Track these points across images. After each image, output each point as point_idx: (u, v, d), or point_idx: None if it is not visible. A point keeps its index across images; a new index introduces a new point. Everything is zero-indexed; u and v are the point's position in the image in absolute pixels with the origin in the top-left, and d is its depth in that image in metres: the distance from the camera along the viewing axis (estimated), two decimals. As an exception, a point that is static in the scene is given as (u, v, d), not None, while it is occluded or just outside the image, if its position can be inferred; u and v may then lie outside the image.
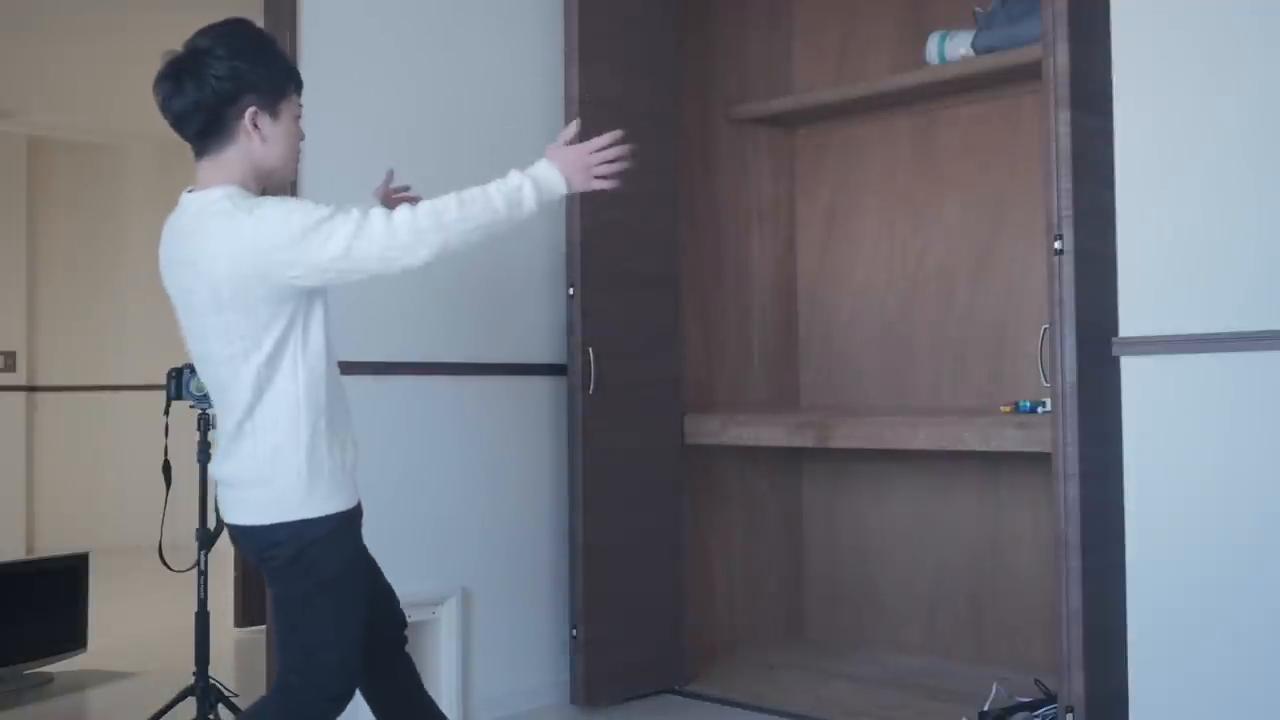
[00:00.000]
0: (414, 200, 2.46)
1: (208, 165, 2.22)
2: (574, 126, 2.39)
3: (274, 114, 2.21)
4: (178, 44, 2.22)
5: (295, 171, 2.34)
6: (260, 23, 3.41)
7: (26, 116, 7.20)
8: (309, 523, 2.17)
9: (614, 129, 3.85)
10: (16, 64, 6.15)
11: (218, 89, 2.15)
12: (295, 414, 2.18)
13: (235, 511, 2.25)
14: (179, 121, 2.20)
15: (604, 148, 2.33)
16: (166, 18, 5.41)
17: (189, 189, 2.26)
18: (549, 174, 2.29)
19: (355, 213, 2.13)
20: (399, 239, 2.12)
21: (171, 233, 2.29)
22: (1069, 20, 2.94)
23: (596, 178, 2.34)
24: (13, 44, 5.80)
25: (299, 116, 2.28)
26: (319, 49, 3.37)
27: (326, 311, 2.24)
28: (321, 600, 2.20)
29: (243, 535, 2.25)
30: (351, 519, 2.24)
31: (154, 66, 2.20)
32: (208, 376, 2.27)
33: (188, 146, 2.26)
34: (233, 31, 2.20)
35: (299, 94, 2.28)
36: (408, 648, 2.49)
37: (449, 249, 2.17)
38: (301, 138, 2.30)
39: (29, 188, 7.55)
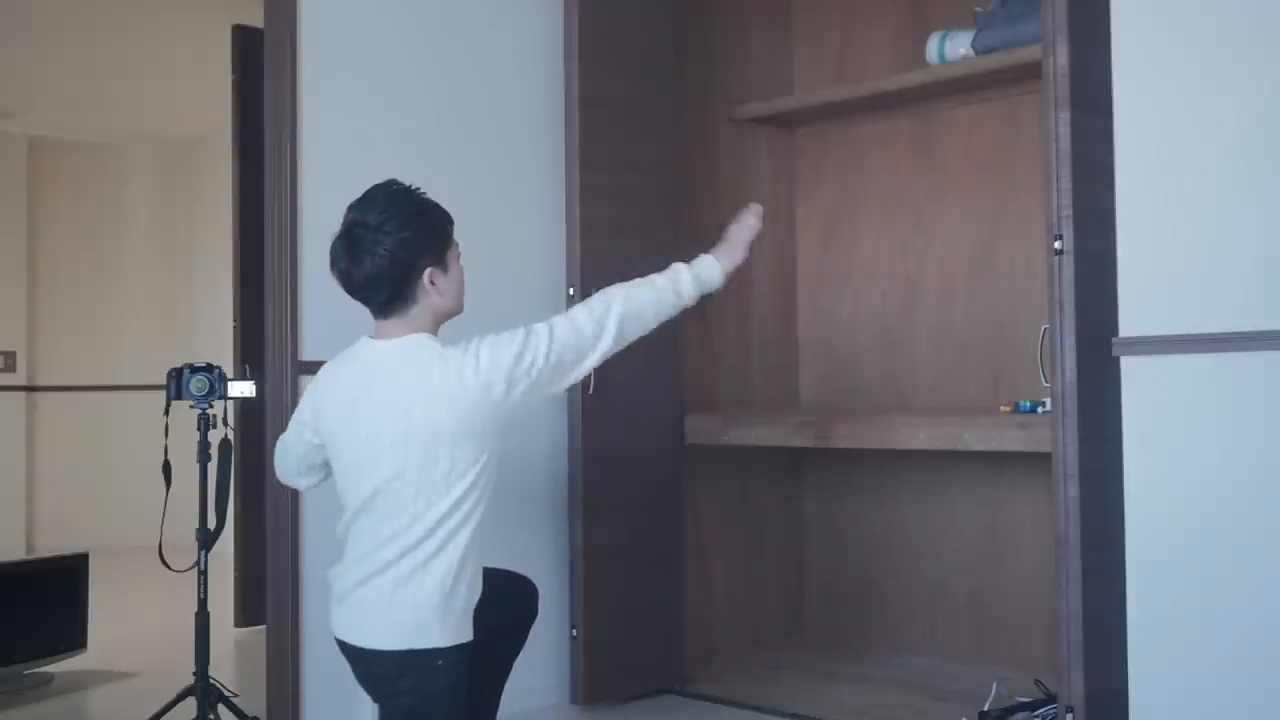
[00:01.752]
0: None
1: (394, 322, 2.41)
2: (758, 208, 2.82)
3: (445, 268, 2.42)
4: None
5: (463, 306, 2.52)
6: (260, 19, 3.42)
7: (26, 116, 7.20)
8: (431, 651, 2.33)
9: (614, 129, 3.90)
10: (16, 64, 6.15)
11: (395, 260, 2.34)
12: (452, 557, 2.34)
13: (361, 634, 2.38)
14: (363, 292, 2.39)
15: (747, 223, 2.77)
16: (166, 18, 5.44)
17: (370, 337, 2.45)
18: (711, 269, 2.66)
19: (542, 326, 2.40)
20: (585, 333, 2.43)
21: (348, 374, 2.44)
22: (1069, 20, 2.94)
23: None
24: (13, 44, 5.81)
25: (460, 256, 2.49)
26: (318, 48, 3.37)
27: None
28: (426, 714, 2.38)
29: (364, 656, 2.38)
30: (465, 650, 2.38)
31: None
32: (374, 508, 2.38)
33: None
34: (395, 201, 2.39)
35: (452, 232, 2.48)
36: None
37: (626, 332, 2.49)
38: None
39: (29, 188, 7.55)
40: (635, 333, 2.51)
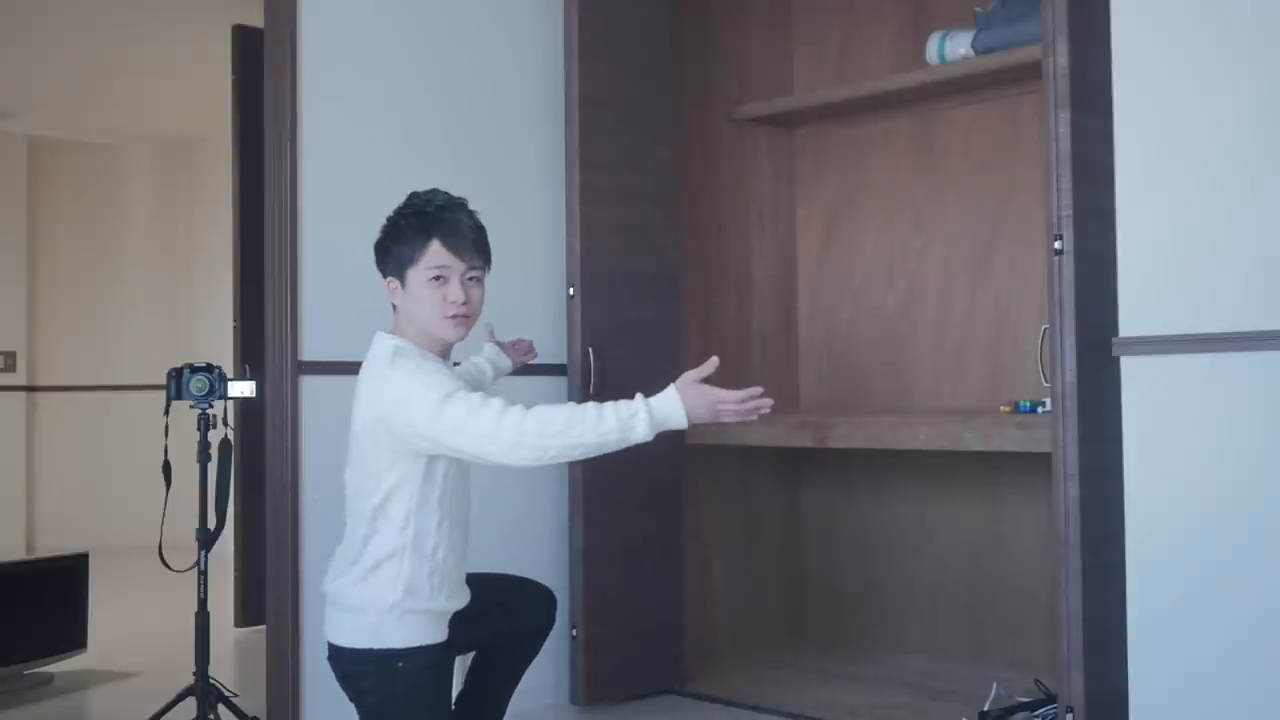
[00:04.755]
0: (527, 352, 3.03)
1: (393, 321, 2.50)
2: (712, 364, 2.30)
3: (404, 283, 2.43)
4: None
5: (452, 332, 2.44)
6: (260, 19, 3.42)
7: (26, 116, 7.20)
8: (389, 652, 2.35)
9: (614, 129, 3.89)
10: (16, 64, 6.15)
11: (376, 264, 2.49)
12: (400, 562, 2.36)
13: (329, 629, 2.44)
14: None
15: (741, 401, 2.27)
16: (166, 18, 5.44)
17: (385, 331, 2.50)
18: (672, 408, 2.25)
19: (475, 399, 2.25)
20: (502, 439, 2.22)
21: (365, 362, 2.50)
22: (1069, 20, 2.93)
23: (724, 418, 2.30)
24: (13, 44, 5.80)
25: (436, 278, 2.40)
26: (318, 48, 3.37)
27: (452, 472, 2.40)
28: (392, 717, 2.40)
29: (333, 652, 2.43)
30: (431, 653, 2.39)
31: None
32: (348, 504, 2.47)
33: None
34: (402, 207, 2.48)
35: (448, 253, 2.41)
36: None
37: (547, 458, 2.25)
38: (465, 300, 2.42)
39: (29, 188, 7.55)
40: (556, 461, 2.28)
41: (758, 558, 4.42)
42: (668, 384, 2.15)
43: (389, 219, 2.48)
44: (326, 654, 2.47)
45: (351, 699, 2.45)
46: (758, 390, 2.31)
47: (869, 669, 4.09)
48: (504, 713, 2.71)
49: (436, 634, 2.40)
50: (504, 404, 2.25)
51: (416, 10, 3.59)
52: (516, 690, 2.79)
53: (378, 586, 2.35)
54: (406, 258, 2.41)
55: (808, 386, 4.57)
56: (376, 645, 2.35)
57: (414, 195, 2.49)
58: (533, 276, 3.78)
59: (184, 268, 7.78)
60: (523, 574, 2.79)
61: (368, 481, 2.37)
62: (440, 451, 2.32)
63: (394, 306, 2.48)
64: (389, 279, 2.46)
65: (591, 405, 2.25)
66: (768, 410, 2.31)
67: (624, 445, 2.25)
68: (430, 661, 2.39)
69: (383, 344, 2.43)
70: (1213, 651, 2.66)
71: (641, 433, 2.24)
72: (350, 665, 2.39)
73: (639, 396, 2.26)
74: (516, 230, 3.78)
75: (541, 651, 3.63)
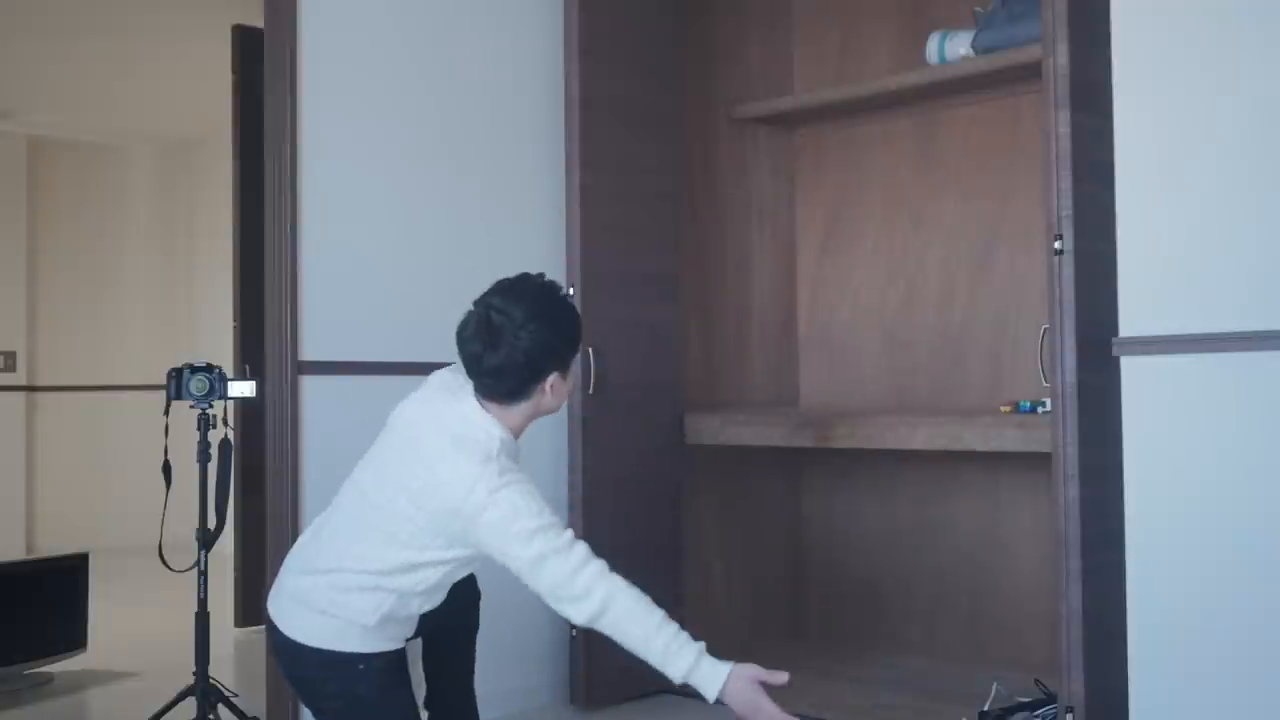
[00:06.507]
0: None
1: (496, 406, 2.40)
2: (782, 677, 2.26)
3: (566, 374, 2.44)
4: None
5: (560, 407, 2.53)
6: (260, 19, 3.42)
7: (26, 116, 7.20)
8: (350, 655, 2.36)
9: (614, 129, 3.89)
10: (16, 64, 6.15)
11: (530, 359, 2.35)
12: (397, 599, 2.36)
13: (290, 625, 2.38)
14: (489, 378, 2.38)
15: None
16: (166, 18, 5.44)
17: (475, 392, 2.41)
18: (713, 680, 2.25)
19: (563, 538, 2.30)
20: (573, 586, 2.27)
21: (435, 395, 2.44)
22: (1069, 20, 2.94)
23: None
24: (13, 44, 5.81)
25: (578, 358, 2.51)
26: (318, 48, 3.37)
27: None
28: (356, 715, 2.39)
29: (288, 647, 2.39)
30: (388, 658, 2.39)
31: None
32: (360, 512, 2.40)
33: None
34: (542, 298, 2.40)
35: None
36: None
37: (596, 625, 2.29)
38: None
39: (29, 188, 7.54)
40: (600, 630, 2.32)
41: (758, 558, 4.42)
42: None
43: (565, 312, 2.44)
44: (278, 648, 2.43)
45: (311, 708, 2.45)
46: None
47: (869, 669, 4.09)
48: (474, 697, 2.72)
49: (401, 640, 2.43)
50: (584, 551, 2.33)
51: (416, 10, 3.59)
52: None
53: (362, 605, 2.34)
54: (578, 345, 2.47)
55: (808, 386, 4.57)
56: (338, 648, 2.34)
57: (544, 276, 2.47)
58: (533, 276, 3.77)
59: (184, 268, 7.77)
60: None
61: (406, 533, 2.33)
62: (509, 568, 2.31)
63: (518, 398, 2.40)
64: (556, 373, 2.41)
65: (660, 613, 2.28)
66: None
67: (651, 663, 2.29)
68: (390, 665, 2.40)
69: (478, 430, 2.36)
70: (1213, 651, 2.66)
71: (674, 674, 2.27)
72: (311, 668, 2.38)
73: (700, 647, 2.27)
74: (517, 230, 3.78)
75: (542, 652, 3.63)
